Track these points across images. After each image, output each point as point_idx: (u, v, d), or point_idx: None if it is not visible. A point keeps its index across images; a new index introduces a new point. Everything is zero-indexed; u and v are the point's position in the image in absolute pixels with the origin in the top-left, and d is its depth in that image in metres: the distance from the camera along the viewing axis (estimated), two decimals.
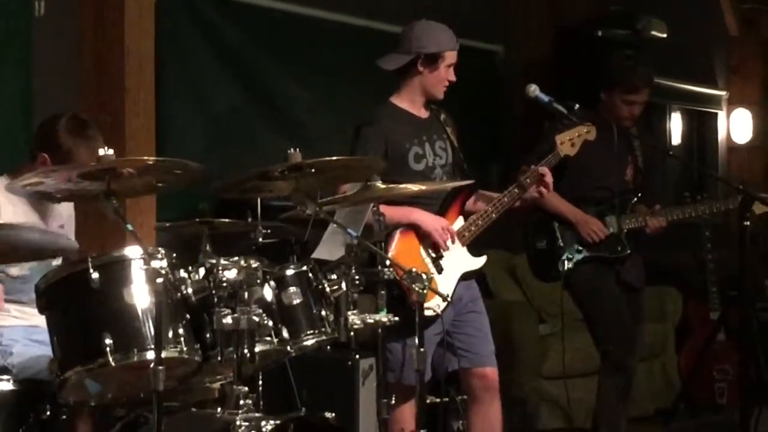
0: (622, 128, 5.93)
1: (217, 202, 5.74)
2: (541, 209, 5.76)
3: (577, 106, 5.34)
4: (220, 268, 3.77)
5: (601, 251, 5.82)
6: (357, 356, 5.39)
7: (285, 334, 4.04)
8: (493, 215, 5.01)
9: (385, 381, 4.64)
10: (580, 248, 5.82)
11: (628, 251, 5.85)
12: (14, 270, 4.34)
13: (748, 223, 5.50)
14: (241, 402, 3.77)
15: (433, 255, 4.89)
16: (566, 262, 5.81)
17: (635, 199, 5.95)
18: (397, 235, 4.84)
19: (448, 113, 5.12)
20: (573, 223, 5.81)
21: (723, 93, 10.52)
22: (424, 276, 4.08)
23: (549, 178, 5.04)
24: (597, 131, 5.29)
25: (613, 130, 5.85)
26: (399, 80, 5.01)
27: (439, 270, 4.87)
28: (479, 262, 5.03)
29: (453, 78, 4.97)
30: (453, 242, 4.90)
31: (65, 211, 4.59)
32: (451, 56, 4.95)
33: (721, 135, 10.56)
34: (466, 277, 4.98)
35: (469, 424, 5.09)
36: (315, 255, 4.57)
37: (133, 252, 3.73)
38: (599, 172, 5.83)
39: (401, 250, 4.82)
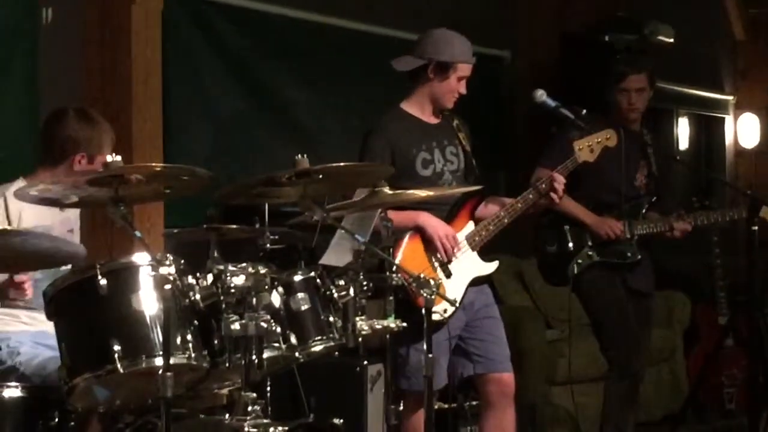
0: (633, 133, 5.91)
1: (224, 208, 5.73)
2: (552, 212, 5.74)
3: (584, 111, 5.33)
4: (228, 274, 3.77)
5: (611, 257, 5.81)
6: (365, 362, 5.38)
7: (293, 340, 4.05)
8: (506, 220, 5.00)
9: (394, 387, 4.64)
10: (591, 252, 5.81)
11: (638, 257, 5.83)
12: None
13: (756, 227, 5.51)
14: (250, 408, 3.76)
15: (442, 259, 4.88)
16: (575, 266, 5.80)
17: (647, 205, 5.93)
18: (406, 239, 4.84)
19: (461, 119, 5.12)
20: (588, 225, 5.79)
21: (730, 98, 10.51)
22: (432, 282, 4.08)
23: (560, 186, 5.03)
24: None
25: (620, 134, 5.83)
26: (411, 85, 5.02)
27: (448, 274, 4.87)
28: (491, 267, 5.01)
29: (463, 91, 4.96)
30: (457, 251, 4.88)
31: (73, 215, 4.60)
32: (463, 69, 4.93)
33: (729, 140, 10.55)
34: (476, 282, 4.97)
35: (482, 429, 5.08)
36: (323, 261, 4.56)
37: (141, 258, 3.73)
38: (609, 177, 5.81)
39: (409, 254, 4.82)
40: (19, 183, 4.38)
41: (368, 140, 4.92)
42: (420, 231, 4.87)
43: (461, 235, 4.95)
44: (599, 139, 5.22)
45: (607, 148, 5.27)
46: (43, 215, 4.35)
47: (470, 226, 5.00)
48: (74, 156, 4.45)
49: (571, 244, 5.82)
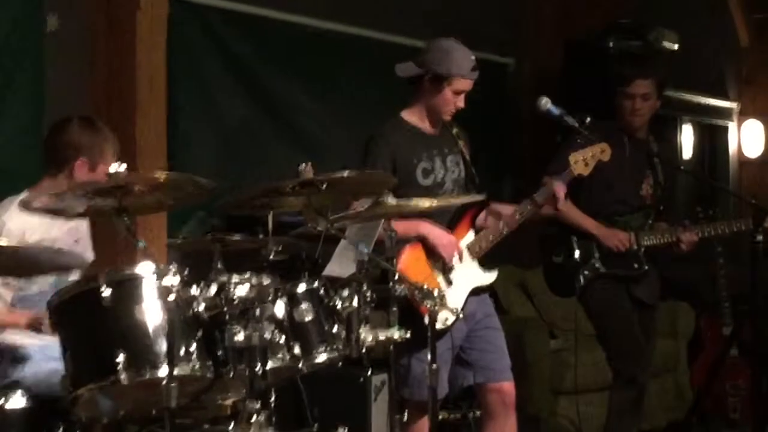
0: (638, 141, 5.90)
1: (228, 217, 5.73)
2: (559, 222, 5.73)
3: (589, 119, 5.31)
4: (232, 284, 3.76)
5: (618, 268, 5.79)
6: (369, 372, 5.38)
7: (297, 350, 4.04)
8: (505, 231, 5.00)
9: (398, 397, 4.64)
10: (597, 264, 5.79)
11: (645, 268, 5.81)
12: (34, 287, 4.35)
13: (761, 237, 5.50)
14: (254, 418, 3.76)
15: (443, 268, 4.88)
16: (582, 278, 5.78)
17: (653, 215, 5.90)
18: (406, 248, 4.84)
19: (460, 127, 5.11)
20: (596, 236, 5.77)
21: (734, 104, 10.50)
22: (436, 292, 4.08)
23: (561, 195, 5.02)
24: (611, 145, 5.27)
25: (624, 142, 5.82)
26: (412, 93, 5.01)
27: (449, 283, 4.87)
28: (491, 276, 5.01)
29: (461, 104, 4.94)
30: (461, 259, 4.88)
31: (80, 225, 4.60)
32: (460, 83, 4.90)
33: (733, 148, 10.53)
34: (477, 291, 4.97)
35: None
36: (326, 271, 4.56)
37: (144, 269, 3.72)
38: (614, 187, 5.80)
39: (410, 262, 4.82)
40: (23, 196, 4.38)
41: (371, 146, 4.92)
42: (421, 240, 4.86)
43: (462, 244, 4.95)
44: (593, 153, 5.21)
45: (602, 161, 5.25)
46: (47, 227, 4.35)
47: (471, 235, 5.01)
48: (75, 162, 4.45)
49: (577, 255, 5.80)
